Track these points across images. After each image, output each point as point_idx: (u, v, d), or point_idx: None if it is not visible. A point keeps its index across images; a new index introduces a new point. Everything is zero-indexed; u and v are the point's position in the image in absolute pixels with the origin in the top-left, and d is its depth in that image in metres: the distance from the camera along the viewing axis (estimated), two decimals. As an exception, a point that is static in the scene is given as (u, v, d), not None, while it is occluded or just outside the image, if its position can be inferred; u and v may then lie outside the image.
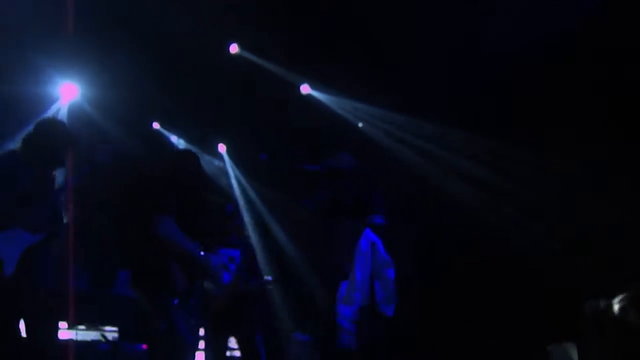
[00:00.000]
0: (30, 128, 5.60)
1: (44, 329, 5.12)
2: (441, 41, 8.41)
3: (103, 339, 7.99)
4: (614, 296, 6.40)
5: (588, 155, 7.80)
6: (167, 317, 5.24)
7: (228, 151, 11.42)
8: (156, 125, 10.94)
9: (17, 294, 5.01)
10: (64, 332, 7.46)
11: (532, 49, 7.90)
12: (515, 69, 8.10)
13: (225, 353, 7.16)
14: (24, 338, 5.03)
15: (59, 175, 5.71)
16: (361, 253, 6.28)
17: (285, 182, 9.77)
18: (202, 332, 7.08)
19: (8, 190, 5.21)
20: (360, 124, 10.45)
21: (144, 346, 7.43)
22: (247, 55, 9.63)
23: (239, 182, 11.38)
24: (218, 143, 11.35)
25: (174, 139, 10.99)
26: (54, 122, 5.79)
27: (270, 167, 9.94)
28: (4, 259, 5.05)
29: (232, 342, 7.37)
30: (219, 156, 11.48)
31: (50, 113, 9.11)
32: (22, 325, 5.07)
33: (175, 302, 5.31)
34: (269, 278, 7.67)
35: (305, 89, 10.21)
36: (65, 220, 5.50)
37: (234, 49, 9.57)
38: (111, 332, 8.64)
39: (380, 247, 6.39)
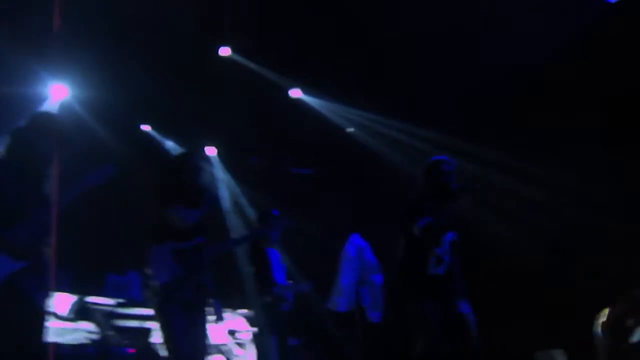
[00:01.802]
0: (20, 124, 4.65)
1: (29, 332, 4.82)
2: (437, 47, 8.43)
3: (89, 343, 7.93)
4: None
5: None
6: None
7: (218, 154, 11.37)
8: (146, 128, 10.88)
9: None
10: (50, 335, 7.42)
11: (529, 58, 7.93)
12: (514, 76, 8.13)
13: None
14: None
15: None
16: (348, 258, 6.27)
17: (276, 185, 9.76)
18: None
19: None
20: (350, 129, 10.45)
21: (131, 350, 7.39)
22: (238, 58, 9.60)
23: (228, 186, 11.33)
24: (208, 146, 11.29)
25: (165, 142, 10.93)
26: (51, 116, 4.97)
27: (260, 171, 9.93)
28: None
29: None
30: (209, 159, 11.44)
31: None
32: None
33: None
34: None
35: (295, 93, 10.18)
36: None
37: (225, 51, 9.55)
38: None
39: (367, 252, 6.39)
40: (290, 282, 7.43)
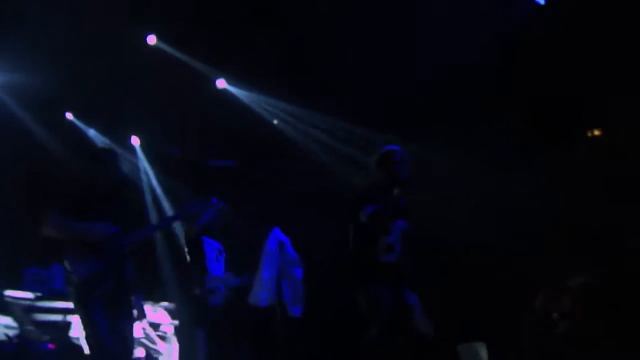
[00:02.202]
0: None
1: None
2: (361, 42, 8.47)
3: (7, 339, 7.77)
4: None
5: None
6: None
7: (141, 145, 11.23)
8: (69, 116, 10.67)
9: None
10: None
11: (455, 57, 8.03)
12: (438, 74, 8.21)
13: None
14: None
15: None
16: (268, 252, 6.28)
17: (195, 177, 9.67)
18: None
19: None
20: (275, 121, 10.43)
21: (50, 346, 7.27)
22: (164, 47, 9.50)
23: (148, 176, 11.20)
24: (131, 135, 11.14)
25: (89, 131, 10.75)
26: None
27: (180, 162, 9.83)
28: None
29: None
30: (132, 149, 11.28)
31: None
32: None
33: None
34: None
35: (221, 83, 10.12)
36: None
37: (151, 40, 9.44)
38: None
39: (288, 247, 6.40)
40: (229, 274, 7.27)
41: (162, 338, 9.25)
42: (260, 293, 6.26)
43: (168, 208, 10.87)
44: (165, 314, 9.39)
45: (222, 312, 6.98)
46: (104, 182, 5.69)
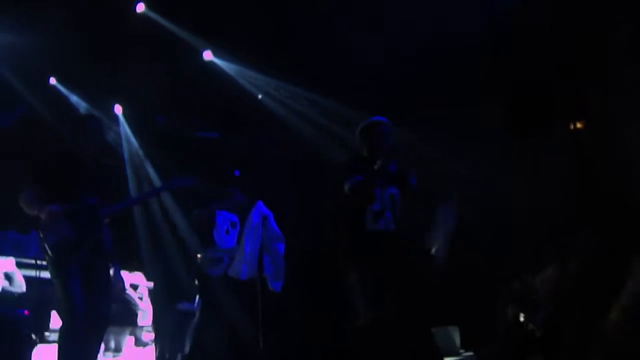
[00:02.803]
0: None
1: None
2: (350, 19, 8.46)
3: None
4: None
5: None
6: None
7: (124, 113, 11.14)
8: (53, 81, 10.58)
9: None
10: None
11: (442, 41, 8.03)
12: (423, 58, 8.22)
13: None
14: None
15: None
16: (251, 226, 6.28)
17: (181, 148, 9.64)
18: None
19: None
20: (260, 96, 10.41)
21: (26, 312, 7.26)
22: (153, 15, 9.43)
23: (129, 145, 11.14)
24: (114, 104, 11.05)
25: (71, 97, 10.66)
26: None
27: (165, 132, 9.79)
28: None
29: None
30: (114, 117, 11.21)
31: None
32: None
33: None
34: None
35: (207, 55, 10.07)
36: None
37: (140, 7, 9.37)
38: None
39: (271, 221, 6.40)
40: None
41: (140, 299, 9.33)
42: (242, 266, 6.26)
43: (149, 177, 10.84)
44: (142, 276, 9.46)
45: (222, 282, 7.04)
46: (86, 150, 5.70)
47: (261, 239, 6.24)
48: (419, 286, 5.56)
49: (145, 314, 9.38)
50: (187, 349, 7.34)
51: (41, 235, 5.36)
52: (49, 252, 5.32)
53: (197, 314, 7.24)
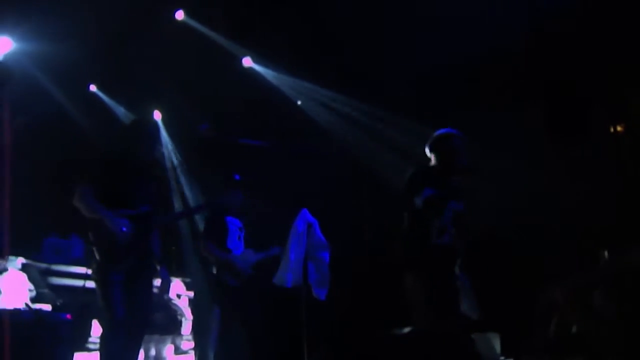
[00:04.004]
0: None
1: None
2: (390, 24, 8.42)
3: (25, 306, 7.80)
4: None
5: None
6: None
7: (163, 119, 11.16)
8: (93, 88, 10.64)
9: None
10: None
11: (481, 44, 7.98)
12: (464, 61, 8.17)
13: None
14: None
15: None
16: (297, 234, 6.23)
17: (225, 155, 9.61)
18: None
19: None
20: (299, 102, 10.39)
21: (68, 316, 7.29)
22: (192, 23, 9.46)
23: (171, 153, 11.15)
24: (154, 110, 11.07)
25: (111, 103, 10.71)
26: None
27: (209, 139, 9.76)
28: None
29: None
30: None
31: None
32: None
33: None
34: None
35: (247, 61, 10.08)
36: None
37: (179, 15, 9.41)
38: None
39: (316, 229, 6.35)
40: (250, 251, 7.26)
41: (184, 307, 9.37)
42: (287, 274, 6.22)
43: (188, 185, 10.85)
44: (182, 285, 9.48)
45: (239, 292, 6.98)
46: (143, 155, 5.65)
47: (306, 247, 6.21)
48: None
49: (186, 323, 9.40)
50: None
51: (91, 239, 5.32)
52: (97, 257, 5.29)
53: (216, 325, 7.17)
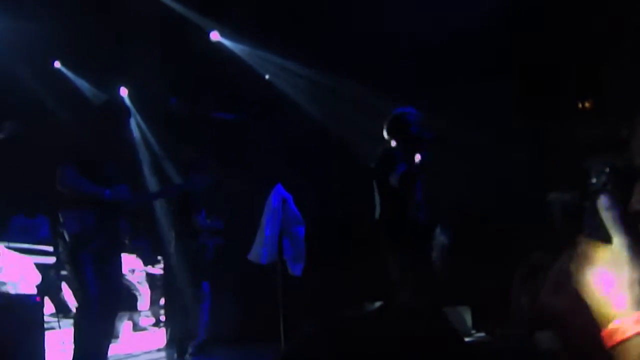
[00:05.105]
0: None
1: None
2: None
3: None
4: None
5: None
6: None
7: (130, 95, 10.97)
8: (57, 65, 10.44)
9: None
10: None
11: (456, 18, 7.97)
12: (437, 35, 8.15)
13: None
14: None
15: None
16: (271, 209, 6.21)
17: (195, 130, 9.52)
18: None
19: None
20: (267, 76, 10.31)
21: (37, 298, 7.19)
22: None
23: (140, 129, 10.99)
24: (120, 86, 10.89)
25: (77, 80, 10.53)
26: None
27: (179, 114, 9.67)
28: None
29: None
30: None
31: None
32: None
33: None
34: None
35: (214, 35, 9.95)
36: None
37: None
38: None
39: (291, 204, 6.33)
40: (208, 221, 7.41)
41: (138, 283, 9.33)
42: (262, 250, 6.20)
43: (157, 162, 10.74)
44: (137, 260, 9.44)
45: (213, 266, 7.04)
46: (115, 136, 5.65)
47: (281, 222, 6.18)
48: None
49: (142, 299, 9.35)
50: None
51: (62, 221, 5.29)
52: (67, 239, 5.26)
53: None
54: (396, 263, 5.54)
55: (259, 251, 6.21)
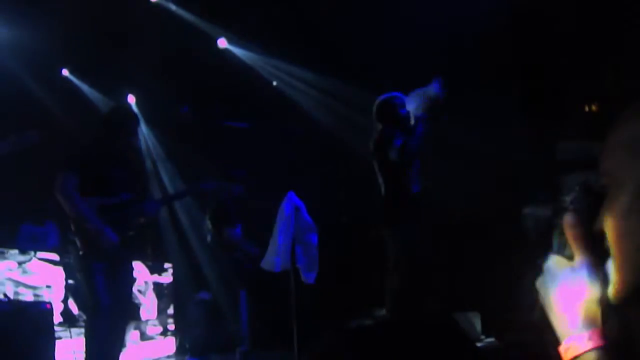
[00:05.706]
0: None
1: None
2: (366, 4, 8.38)
3: (4, 297, 7.64)
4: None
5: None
6: None
7: (137, 103, 10.96)
8: (65, 72, 10.43)
9: None
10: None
11: (460, 24, 7.97)
12: (442, 40, 8.16)
13: None
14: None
15: None
16: (284, 217, 6.18)
17: (206, 139, 9.51)
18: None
19: None
20: (274, 83, 10.31)
21: (48, 305, 7.18)
22: (165, 3, 9.33)
23: (146, 138, 10.98)
24: (127, 94, 10.87)
25: (84, 87, 10.52)
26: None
27: (191, 122, 9.65)
28: None
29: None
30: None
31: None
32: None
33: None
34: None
35: (222, 42, 9.95)
36: None
37: (152, -4, 9.29)
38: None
39: (303, 212, 6.30)
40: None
41: (140, 292, 9.31)
42: (275, 258, 6.17)
43: (167, 171, 10.74)
44: (146, 270, 9.42)
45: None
46: (124, 143, 5.63)
47: (294, 230, 6.15)
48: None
49: (144, 307, 9.33)
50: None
51: (73, 229, 5.29)
52: (79, 246, 5.28)
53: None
54: (395, 244, 5.67)
55: (272, 260, 6.19)
